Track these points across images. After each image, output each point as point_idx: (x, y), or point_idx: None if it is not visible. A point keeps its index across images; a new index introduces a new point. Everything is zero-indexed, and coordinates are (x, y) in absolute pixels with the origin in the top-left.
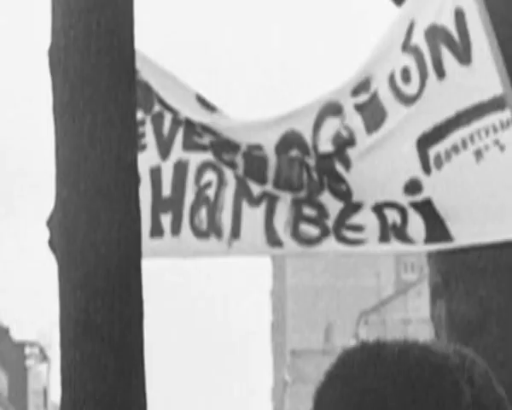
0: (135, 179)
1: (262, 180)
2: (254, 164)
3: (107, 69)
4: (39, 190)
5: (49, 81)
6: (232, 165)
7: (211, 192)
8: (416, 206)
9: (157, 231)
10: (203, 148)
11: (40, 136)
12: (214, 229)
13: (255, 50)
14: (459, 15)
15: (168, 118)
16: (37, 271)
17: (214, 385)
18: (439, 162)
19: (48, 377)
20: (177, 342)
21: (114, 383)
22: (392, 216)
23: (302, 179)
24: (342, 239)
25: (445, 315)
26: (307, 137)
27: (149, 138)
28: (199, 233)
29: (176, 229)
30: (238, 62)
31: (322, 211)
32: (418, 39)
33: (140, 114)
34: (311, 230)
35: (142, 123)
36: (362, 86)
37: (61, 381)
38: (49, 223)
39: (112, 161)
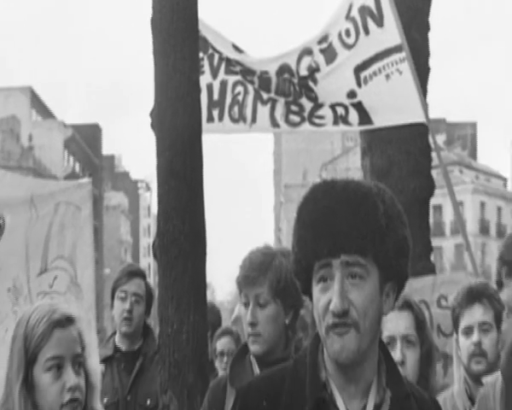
0: (198, 90)
1: (268, 90)
2: (264, 82)
3: (183, 30)
4: (147, 97)
5: (151, 37)
6: (252, 82)
7: (240, 97)
8: (353, 105)
9: (210, 118)
10: (236, 73)
11: (146, 69)
12: (242, 117)
13: (264, 23)
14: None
15: (216, 56)
16: (147, 132)
17: (238, 207)
18: (366, 81)
19: (150, 199)
20: (217, 182)
21: (186, 201)
22: (340, 110)
23: (290, 90)
24: (313, 123)
25: (369, 166)
26: (293, 66)
27: (206, 68)
28: (233, 120)
29: (220, 117)
30: (258, 29)
31: (301, 108)
32: (354, 13)
33: (201, 54)
34: (295, 118)
35: (202, 59)
36: (323, 39)
37: (157, 201)
38: (151, 113)
39: (185, 80)
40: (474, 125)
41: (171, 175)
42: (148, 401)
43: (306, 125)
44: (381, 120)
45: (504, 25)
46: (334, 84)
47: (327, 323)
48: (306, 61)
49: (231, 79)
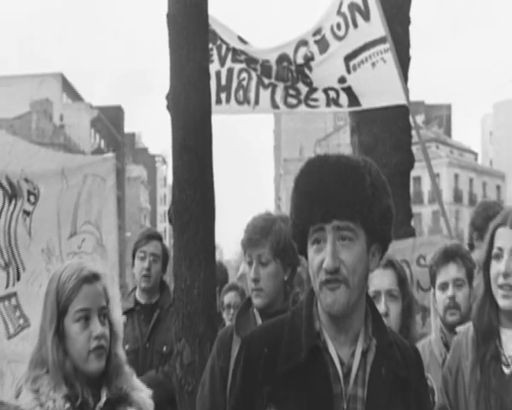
0: (208, 76)
1: (269, 76)
2: (265, 69)
3: (195, 24)
4: (164, 82)
5: (167, 30)
6: (255, 69)
7: (244, 83)
8: (343, 89)
9: (218, 101)
10: (241, 61)
11: (163, 59)
12: (246, 100)
13: (265, 17)
14: None
15: (224, 47)
16: (163, 113)
17: (242, 178)
18: (354, 68)
19: (166, 172)
20: (224, 156)
21: (197, 173)
22: (332, 94)
23: (288, 76)
24: (308, 105)
25: (357, 142)
26: (291, 56)
27: (215, 57)
28: (239, 102)
29: (227, 100)
30: (260, 23)
31: (298, 91)
32: (345, 9)
33: (210, 45)
34: (292, 101)
35: (211, 49)
36: (317, 31)
37: (172, 173)
38: (167, 97)
39: (197, 67)
40: (448, 107)
41: (185, 150)
42: (165, 348)
43: (303, 107)
44: (367, 102)
45: (474, 19)
46: (326, 71)
47: (320, 279)
48: (302, 50)
49: (237, 66)
